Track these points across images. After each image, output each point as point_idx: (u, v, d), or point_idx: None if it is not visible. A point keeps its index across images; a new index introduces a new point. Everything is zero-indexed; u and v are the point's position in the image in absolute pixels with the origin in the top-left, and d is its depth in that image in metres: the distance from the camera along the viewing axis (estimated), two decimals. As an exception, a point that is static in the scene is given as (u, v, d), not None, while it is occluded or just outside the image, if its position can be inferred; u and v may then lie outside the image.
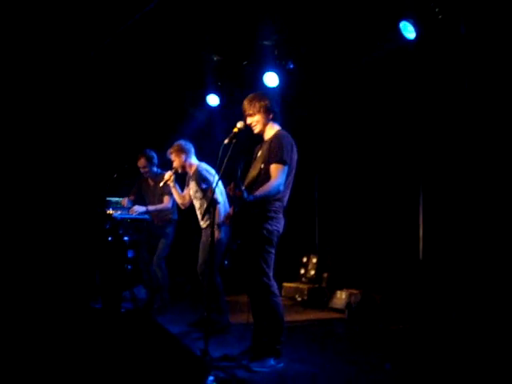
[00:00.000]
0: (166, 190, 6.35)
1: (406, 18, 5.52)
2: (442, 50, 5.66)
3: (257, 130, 4.49)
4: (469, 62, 5.53)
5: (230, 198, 4.57)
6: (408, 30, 5.57)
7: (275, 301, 4.30)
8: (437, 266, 5.98)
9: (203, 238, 5.64)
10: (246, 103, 4.48)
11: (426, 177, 6.33)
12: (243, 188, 4.08)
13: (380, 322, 5.83)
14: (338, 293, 6.67)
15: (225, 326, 5.46)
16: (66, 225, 7.54)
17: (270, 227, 4.27)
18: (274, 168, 4.24)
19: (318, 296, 6.93)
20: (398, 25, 5.58)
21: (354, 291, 6.47)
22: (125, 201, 6.54)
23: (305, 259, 7.63)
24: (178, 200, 5.94)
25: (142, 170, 6.61)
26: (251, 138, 4.87)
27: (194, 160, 5.85)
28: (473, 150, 5.76)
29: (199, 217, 5.73)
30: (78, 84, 7.65)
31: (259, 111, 4.44)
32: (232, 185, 4.09)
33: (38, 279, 6.81)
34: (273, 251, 4.33)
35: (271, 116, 4.47)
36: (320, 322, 6.07)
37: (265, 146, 4.40)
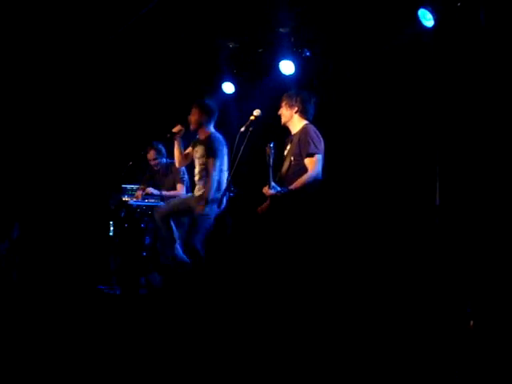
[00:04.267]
0: (178, 178, 6.37)
1: (425, 6, 5.46)
2: (460, 38, 5.58)
3: (282, 121, 4.79)
4: (488, 51, 5.45)
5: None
6: (426, 18, 5.50)
7: None
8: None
9: (190, 201, 5.72)
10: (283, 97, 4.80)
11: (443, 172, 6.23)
12: (274, 185, 4.34)
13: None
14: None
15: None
16: (81, 212, 7.60)
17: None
18: (309, 161, 4.49)
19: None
20: (417, 12, 5.52)
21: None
22: (139, 194, 6.55)
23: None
24: (177, 157, 5.90)
25: (151, 163, 6.62)
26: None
27: (211, 126, 5.77)
28: (491, 143, 5.68)
29: (195, 179, 5.78)
30: (93, 72, 7.68)
31: (285, 105, 4.70)
32: (266, 187, 4.49)
33: (51, 266, 6.88)
34: None
35: (295, 110, 4.78)
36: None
37: (293, 140, 4.62)
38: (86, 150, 7.87)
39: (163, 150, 6.71)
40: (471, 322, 4.87)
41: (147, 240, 6.52)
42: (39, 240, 7.21)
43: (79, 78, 7.72)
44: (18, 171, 7.48)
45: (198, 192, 5.68)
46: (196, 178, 5.75)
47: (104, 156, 7.86)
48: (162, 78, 7.87)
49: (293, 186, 4.40)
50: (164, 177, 6.65)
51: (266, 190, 4.52)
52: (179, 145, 5.83)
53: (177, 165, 6.01)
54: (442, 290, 5.55)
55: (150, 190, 6.44)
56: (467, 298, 5.18)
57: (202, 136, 5.75)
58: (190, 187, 6.31)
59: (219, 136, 5.71)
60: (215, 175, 5.49)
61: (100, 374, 3.26)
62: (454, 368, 3.90)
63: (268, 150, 4.50)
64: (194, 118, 5.73)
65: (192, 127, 5.78)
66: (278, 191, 4.39)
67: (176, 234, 5.73)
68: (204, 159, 5.62)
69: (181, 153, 5.87)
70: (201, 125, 5.73)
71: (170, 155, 6.69)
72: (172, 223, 5.70)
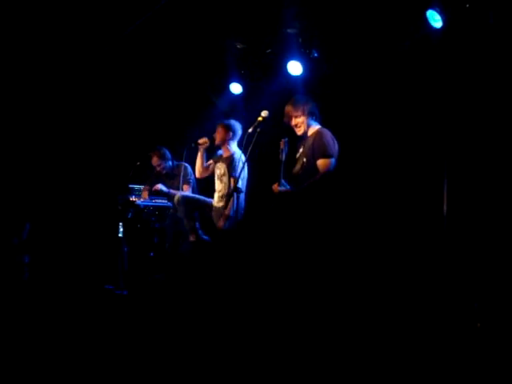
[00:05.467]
0: (185, 180, 6.41)
1: (433, 7, 5.44)
2: (469, 39, 5.56)
3: (301, 131, 4.77)
4: (497, 52, 5.43)
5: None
6: (435, 19, 5.48)
7: None
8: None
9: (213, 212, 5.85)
10: (290, 106, 4.70)
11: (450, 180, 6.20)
12: (284, 182, 4.38)
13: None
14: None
15: None
16: (89, 212, 7.62)
17: None
18: (322, 162, 4.48)
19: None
20: (425, 13, 5.50)
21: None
22: (145, 193, 6.60)
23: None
24: (198, 168, 6.07)
25: (157, 168, 6.66)
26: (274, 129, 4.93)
27: (234, 145, 5.94)
28: (500, 148, 5.64)
29: (215, 197, 5.83)
30: (100, 73, 7.71)
31: (304, 113, 4.65)
32: (276, 184, 4.51)
33: (60, 266, 6.90)
34: None
35: (313, 117, 4.84)
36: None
37: (306, 143, 4.59)
38: (94, 151, 7.89)
39: (167, 153, 6.75)
40: (478, 324, 4.86)
41: (155, 240, 6.53)
42: (49, 240, 7.23)
43: (87, 80, 7.75)
44: (29, 172, 7.51)
45: (219, 204, 5.77)
46: (219, 194, 5.85)
47: (112, 156, 7.88)
48: (170, 78, 7.88)
49: (305, 183, 4.45)
50: (170, 179, 6.67)
51: (275, 186, 4.58)
52: (202, 156, 6.06)
53: (196, 175, 6.20)
54: (449, 293, 5.54)
55: (159, 186, 6.44)
56: (474, 300, 5.16)
57: (225, 154, 5.92)
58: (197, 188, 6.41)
59: (242, 158, 5.79)
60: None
61: (105, 374, 3.27)
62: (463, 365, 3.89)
63: (282, 144, 4.54)
64: (219, 135, 5.96)
65: (216, 143, 6.02)
66: (286, 189, 4.44)
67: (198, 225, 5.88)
68: (226, 178, 5.73)
69: (202, 164, 6.04)
70: (224, 142, 5.88)
71: (176, 158, 6.72)
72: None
